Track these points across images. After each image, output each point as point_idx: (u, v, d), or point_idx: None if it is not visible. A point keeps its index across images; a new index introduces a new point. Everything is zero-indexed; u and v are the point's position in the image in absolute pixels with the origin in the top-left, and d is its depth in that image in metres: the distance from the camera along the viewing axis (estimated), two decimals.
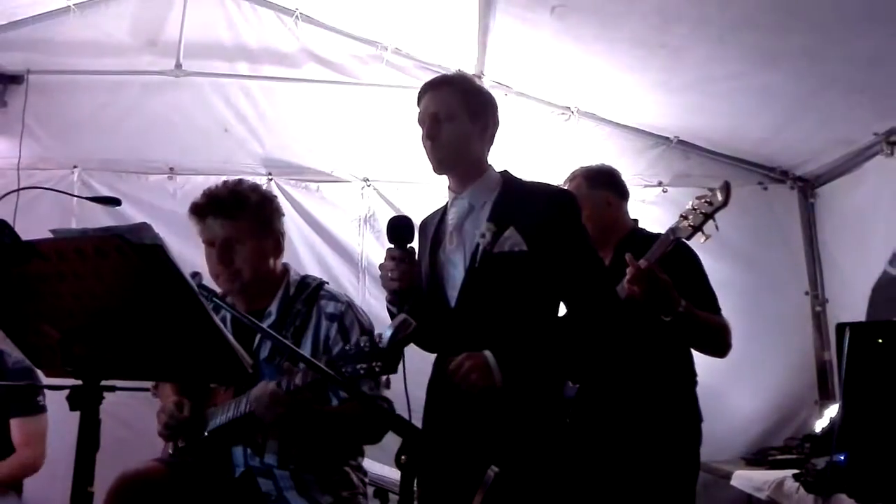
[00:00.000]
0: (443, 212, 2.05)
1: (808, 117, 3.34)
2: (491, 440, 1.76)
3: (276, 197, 2.24)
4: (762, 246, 3.87)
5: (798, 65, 2.93)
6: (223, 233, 2.06)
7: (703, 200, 2.26)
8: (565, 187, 2.59)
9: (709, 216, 2.25)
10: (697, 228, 2.26)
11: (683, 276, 2.27)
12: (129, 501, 1.84)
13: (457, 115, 1.94)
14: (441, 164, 1.97)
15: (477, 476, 1.48)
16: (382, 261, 1.92)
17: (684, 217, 2.29)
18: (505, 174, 2.01)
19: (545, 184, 2.03)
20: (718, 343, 2.38)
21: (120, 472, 1.90)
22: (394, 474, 2.60)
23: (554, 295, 1.91)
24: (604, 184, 2.56)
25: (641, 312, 2.21)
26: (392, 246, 1.90)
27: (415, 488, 1.41)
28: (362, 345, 1.69)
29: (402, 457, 1.35)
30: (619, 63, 3.39)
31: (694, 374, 2.45)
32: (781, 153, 3.81)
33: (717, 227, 2.28)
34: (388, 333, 1.64)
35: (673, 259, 2.28)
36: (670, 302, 2.17)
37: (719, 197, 2.23)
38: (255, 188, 2.17)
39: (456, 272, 1.92)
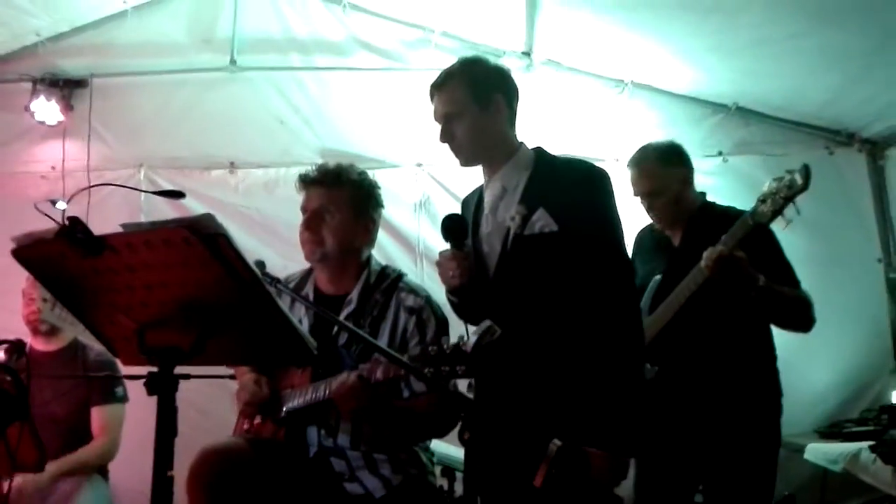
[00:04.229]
0: (480, 192, 2.06)
1: (873, 75, 3.19)
2: (552, 414, 1.77)
3: (379, 187, 2.30)
4: (831, 213, 3.72)
5: (861, 20, 2.80)
6: (317, 201, 2.17)
7: (781, 183, 2.21)
8: (628, 163, 2.57)
9: (789, 200, 2.20)
10: (778, 212, 2.22)
11: (760, 253, 2.25)
12: (212, 473, 1.91)
13: (465, 110, 1.93)
14: (462, 159, 1.99)
15: (540, 450, 1.49)
16: (438, 257, 1.95)
17: (762, 201, 2.25)
18: (538, 151, 1.99)
19: (577, 160, 2.01)
20: (801, 318, 2.35)
21: (202, 447, 1.97)
22: (460, 454, 2.63)
23: (586, 274, 1.84)
24: (679, 161, 2.53)
25: (721, 291, 2.23)
26: (448, 245, 1.92)
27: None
28: (445, 347, 1.73)
29: (465, 434, 1.37)
30: (670, 30, 3.31)
31: (773, 350, 2.42)
32: (847, 115, 3.65)
33: (798, 212, 2.23)
34: (472, 339, 1.67)
35: (749, 236, 2.25)
36: (750, 280, 2.16)
37: (799, 180, 2.17)
38: (362, 173, 2.27)
39: (494, 256, 1.93)
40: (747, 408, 2.30)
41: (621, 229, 1.93)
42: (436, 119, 2.00)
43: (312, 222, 2.16)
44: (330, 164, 2.25)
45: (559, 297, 1.83)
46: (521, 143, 2.00)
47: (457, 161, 3.96)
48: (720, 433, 2.26)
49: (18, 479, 2.64)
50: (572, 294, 1.82)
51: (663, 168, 2.48)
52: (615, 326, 1.79)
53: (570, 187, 1.87)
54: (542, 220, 1.84)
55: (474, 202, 2.07)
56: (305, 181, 2.21)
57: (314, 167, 2.26)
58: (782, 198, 2.19)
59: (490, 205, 1.98)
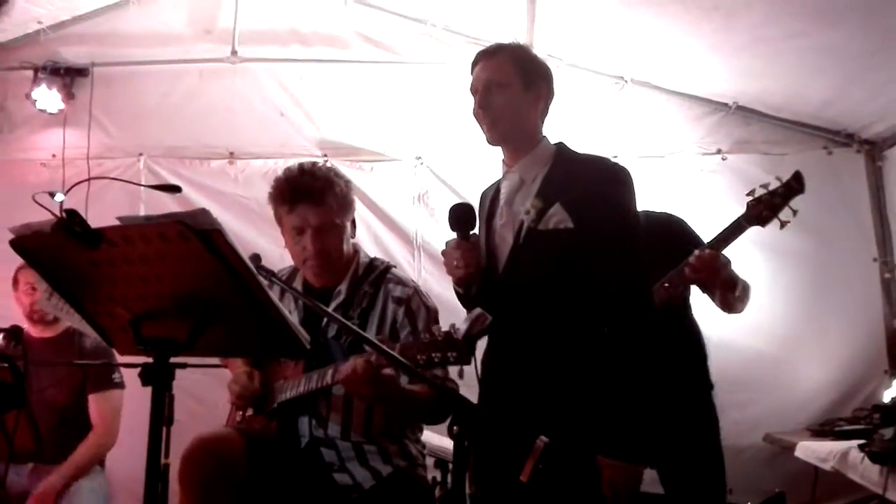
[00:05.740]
0: (498, 184, 2.04)
1: (872, 76, 3.20)
2: (546, 412, 1.78)
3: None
4: (828, 212, 3.73)
5: (860, 21, 2.80)
6: (317, 219, 2.11)
7: (777, 187, 2.28)
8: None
9: (786, 201, 2.24)
10: (775, 214, 2.26)
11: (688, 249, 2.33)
12: (203, 463, 1.93)
13: (510, 83, 1.90)
14: (494, 133, 1.93)
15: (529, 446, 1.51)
16: (443, 247, 1.93)
17: (754, 204, 2.28)
18: (560, 146, 1.97)
19: (598, 158, 1.96)
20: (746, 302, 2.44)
21: (195, 435, 1.99)
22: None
23: (599, 274, 1.82)
24: None
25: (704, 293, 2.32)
26: (455, 235, 1.89)
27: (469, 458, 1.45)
28: (437, 335, 1.73)
29: (455, 427, 1.39)
30: (672, 27, 3.30)
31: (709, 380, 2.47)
32: (846, 115, 3.66)
33: (794, 213, 2.26)
34: (463, 327, 1.68)
35: (677, 237, 2.38)
36: (732, 281, 2.19)
37: (795, 184, 2.26)
38: (337, 172, 2.22)
39: (505, 248, 1.92)
40: (686, 391, 2.33)
41: (641, 230, 1.90)
42: (472, 88, 1.95)
43: (318, 240, 2.11)
44: (305, 177, 2.14)
45: (569, 295, 1.81)
46: (545, 136, 1.98)
47: (456, 156, 3.96)
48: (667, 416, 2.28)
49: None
50: (583, 294, 1.80)
51: None
52: (628, 332, 1.76)
53: (590, 185, 1.84)
54: (557, 216, 1.82)
55: (491, 193, 2.05)
56: (291, 200, 2.11)
57: (286, 177, 2.15)
58: (780, 200, 2.22)
59: (506, 196, 1.95)
